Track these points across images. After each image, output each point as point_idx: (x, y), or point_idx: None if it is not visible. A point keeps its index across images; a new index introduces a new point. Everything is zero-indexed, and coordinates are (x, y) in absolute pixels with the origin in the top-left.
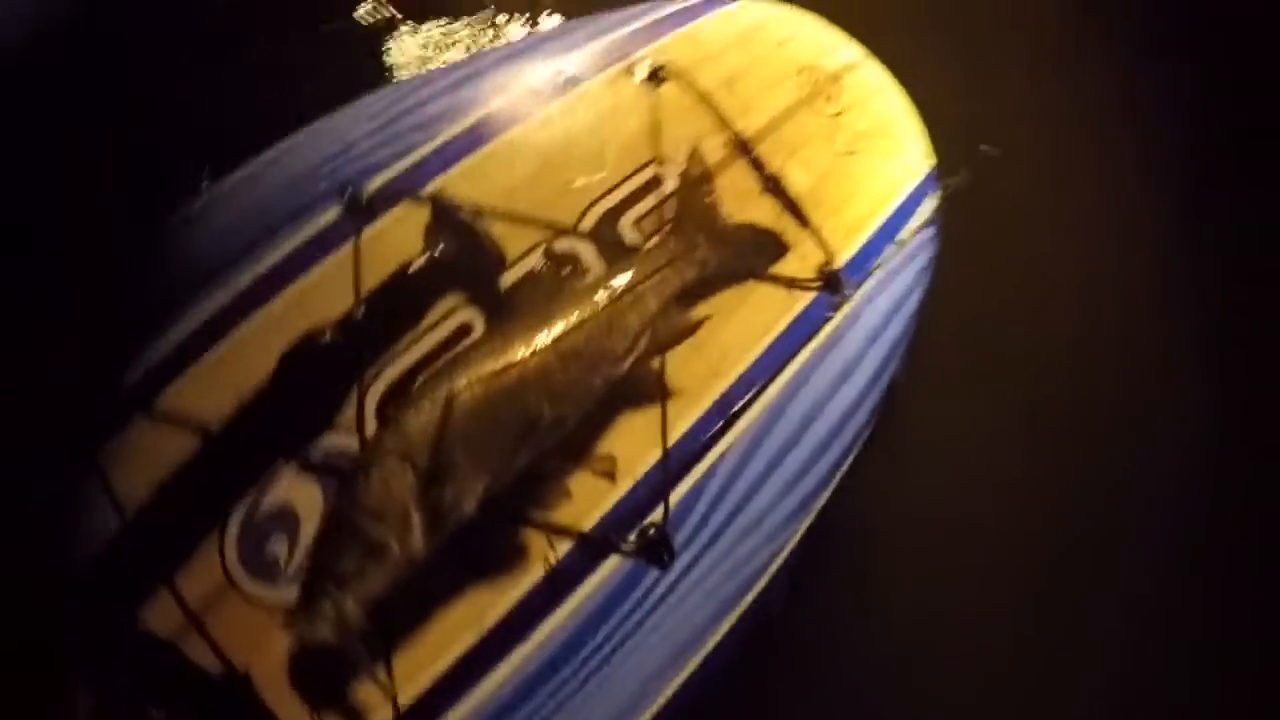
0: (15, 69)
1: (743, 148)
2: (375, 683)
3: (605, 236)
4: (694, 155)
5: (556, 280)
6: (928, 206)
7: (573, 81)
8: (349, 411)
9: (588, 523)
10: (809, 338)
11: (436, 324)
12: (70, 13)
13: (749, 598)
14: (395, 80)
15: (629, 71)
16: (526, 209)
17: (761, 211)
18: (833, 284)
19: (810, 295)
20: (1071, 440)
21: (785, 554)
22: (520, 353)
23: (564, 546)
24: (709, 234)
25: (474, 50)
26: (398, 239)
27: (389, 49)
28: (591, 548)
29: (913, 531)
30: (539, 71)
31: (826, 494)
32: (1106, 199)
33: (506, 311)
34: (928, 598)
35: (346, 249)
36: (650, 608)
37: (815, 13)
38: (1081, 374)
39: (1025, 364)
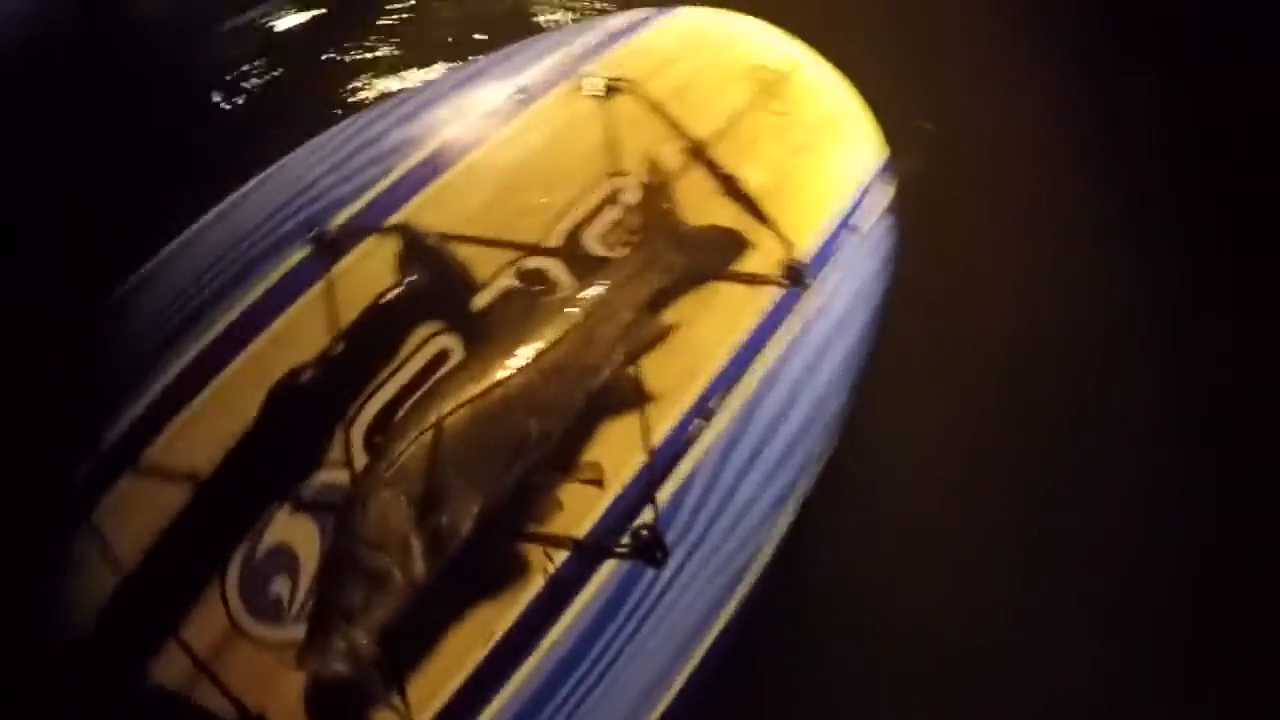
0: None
1: (698, 153)
2: (391, 710)
3: (573, 252)
4: (652, 164)
5: (529, 299)
6: (884, 196)
7: (526, 102)
8: (337, 447)
9: (581, 530)
10: (778, 330)
11: (415, 352)
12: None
13: (743, 587)
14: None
15: (581, 87)
16: (493, 231)
17: (722, 213)
18: (796, 277)
19: (776, 290)
20: (1017, 435)
21: (775, 543)
22: (500, 373)
23: (561, 556)
24: (673, 240)
25: None
26: (368, 272)
27: None
28: (587, 554)
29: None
30: (491, 94)
31: (808, 482)
32: (1049, 198)
33: (483, 334)
34: (878, 593)
35: (318, 287)
36: (650, 606)
37: (760, 16)
38: (1024, 369)
39: (971, 360)
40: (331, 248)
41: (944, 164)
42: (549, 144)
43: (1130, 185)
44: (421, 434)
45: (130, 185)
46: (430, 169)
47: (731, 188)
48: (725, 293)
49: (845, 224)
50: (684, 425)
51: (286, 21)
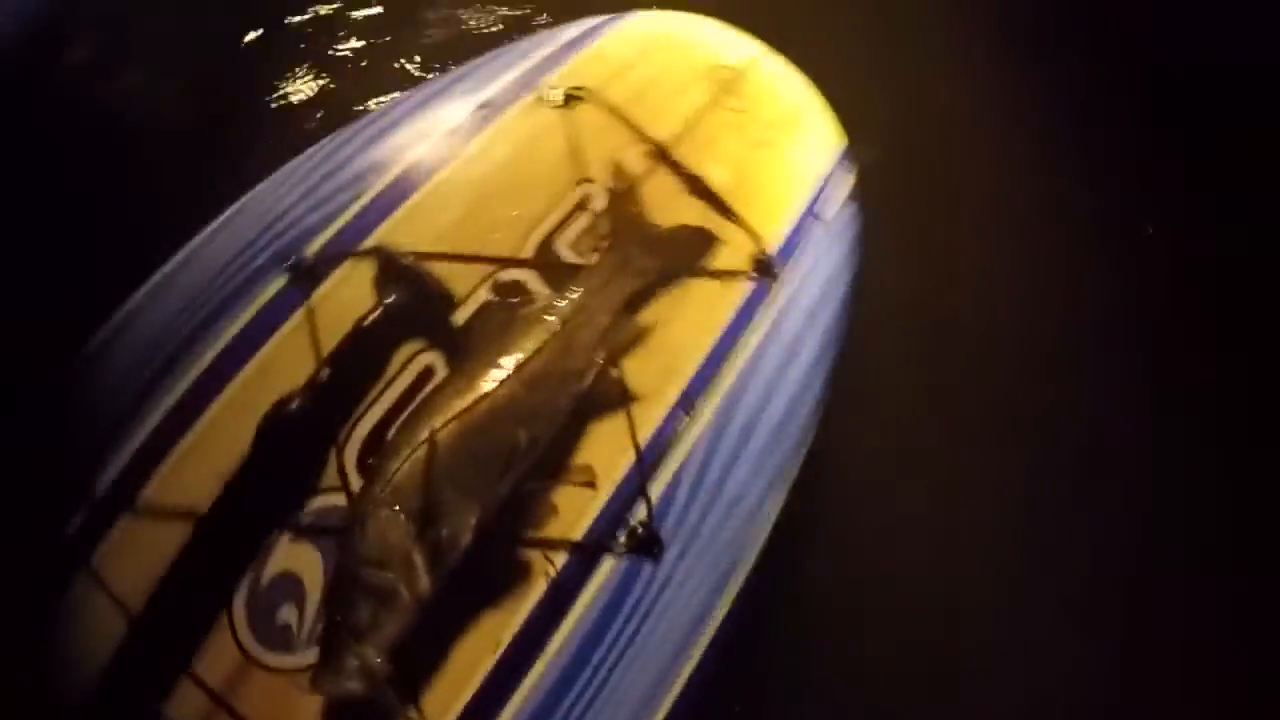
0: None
1: (661, 154)
2: None
3: (546, 261)
4: (617, 170)
5: (508, 311)
6: (845, 185)
7: (488, 117)
8: (331, 471)
9: (578, 532)
10: (752, 323)
11: (400, 372)
12: None
13: (739, 578)
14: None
15: (542, 99)
16: (467, 247)
17: (689, 212)
18: (766, 269)
19: (747, 283)
20: (976, 432)
21: (766, 533)
22: (486, 386)
23: (560, 559)
24: (643, 242)
25: None
26: (348, 297)
27: None
28: (586, 555)
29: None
30: (454, 112)
31: (796, 467)
32: (1010, 187)
33: (465, 349)
34: (861, 590)
35: (298, 316)
36: (651, 601)
37: (716, 16)
38: (994, 364)
39: (941, 353)
40: (308, 276)
41: (904, 152)
42: (514, 157)
43: (1100, 180)
44: (414, 451)
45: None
46: (400, 190)
47: (696, 186)
48: (698, 290)
49: (810, 214)
50: (669, 422)
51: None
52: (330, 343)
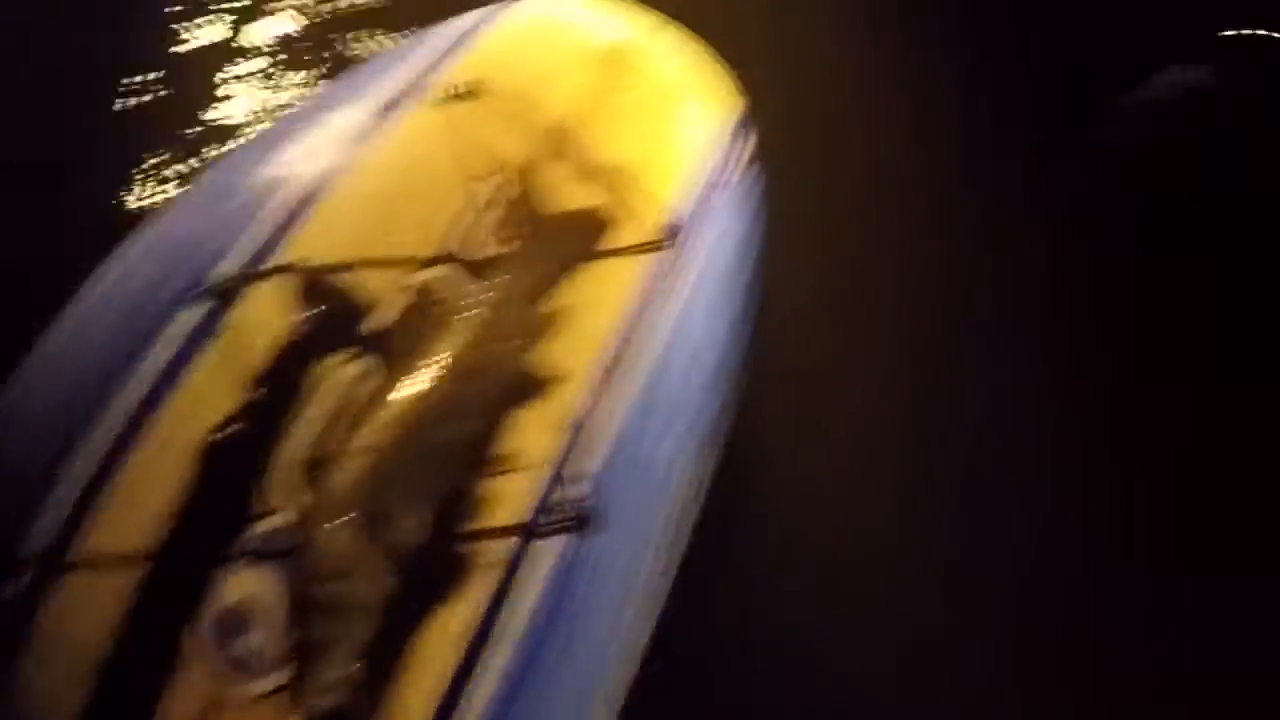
0: None
1: (558, 139)
2: None
3: (455, 258)
4: (515, 160)
5: (425, 311)
6: (746, 150)
7: (384, 120)
8: (271, 493)
9: (520, 517)
10: (662, 295)
11: (326, 384)
12: None
13: (677, 541)
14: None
15: (434, 99)
16: (376, 252)
17: (589, 194)
18: (669, 241)
19: (652, 257)
20: (876, 399)
21: (702, 495)
22: (415, 387)
23: (508, 545)
24: (544, 226)
25: None
26: (263, 317)
27: None
28: (531, 538)
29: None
30: (349, 117)
31: (723, 431)
32: (908, 141)
33: (389, 353)
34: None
35: (215, 342)
36: (595, 573)
37: None
38: (882, 331)
39: (832, 320)
40: (221, 300)
41: (802, 119)
42: (413, 160)
43: (983, 148)
44: (355, 460)
45: None
46: (302, 204)
47: (595, 167)
48: (605, 269)
49: (710, 182)
50: (592, 399)
51: None
52: (252, 365)
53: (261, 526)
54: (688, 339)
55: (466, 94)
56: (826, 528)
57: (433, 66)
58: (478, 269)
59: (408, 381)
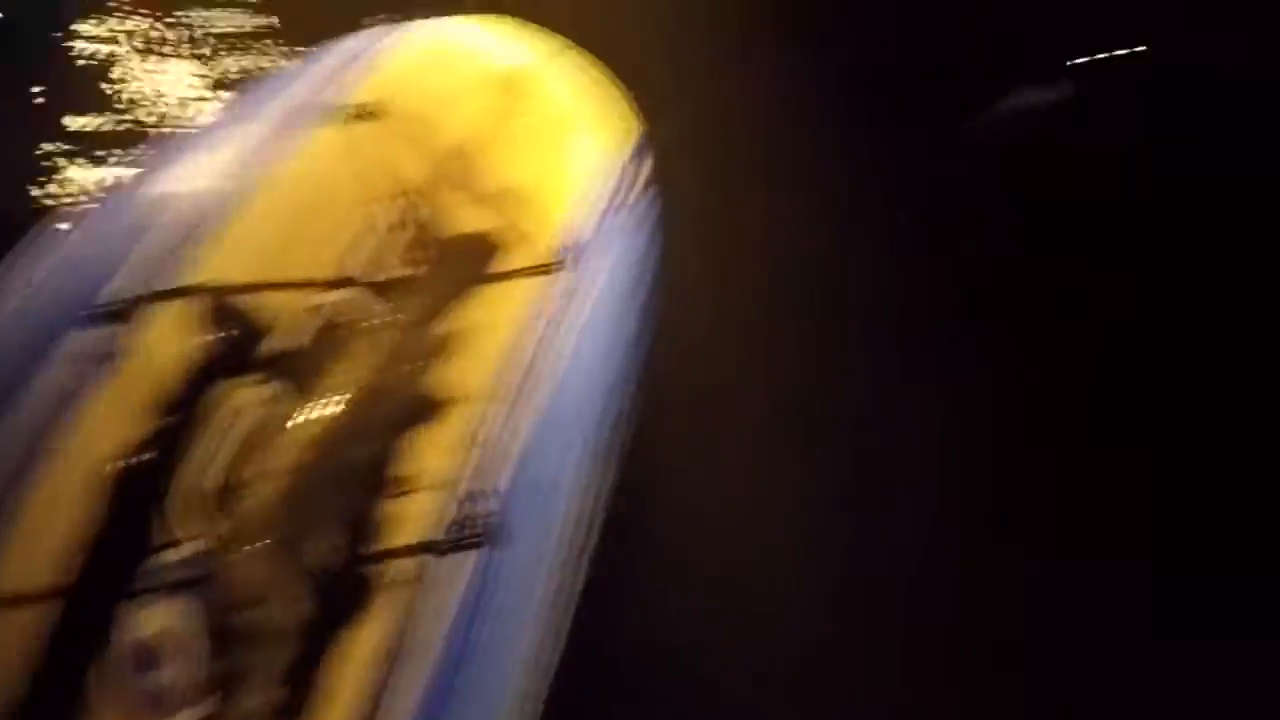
0: None
1: (451, 162)
2: None
3: (356, 280)
4: (413, 183)
5: (329, 333)
6: (641, 172)
7: (283, 139)
8: (178, 522)
9: (428, 536)
10: (556, 314)
11: (230, 408)
12: None
13: (576, 549)
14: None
15: (335, 118)
16: (280, 272)
17: (486, 217)
18: (563, 262)
19: (549, 277)
20: (765, 418)
21: (593, 506)
22: (320, 411)
23: (417, 564)
24: (441, 250)
25: None
26: (167, 337)
27: None
28: (441, 553)
29: None
30: (248, 136)
31: (618, 444)
32: (802, 171)
33: (294, 376)
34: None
35: (113, 367)
36: (505, 587)
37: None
38: (774, 351)
39: (723, 338)
40: (119, 321)
41: (699, 137)
42: (315, 179)
43: (868, 169)
44: (264, 485)
45: None
46: (204, 221)
47: (493, 191)
48: (503, 290)
49: (605, 205)
50: (493, 417)
51: None
52: (156, 390)
53: (172, 556)
54: (584, 359)
55: (367, 115)
56: (718, 547)
57: (332, 86)
58: (379, 291)
59: (313, 405)
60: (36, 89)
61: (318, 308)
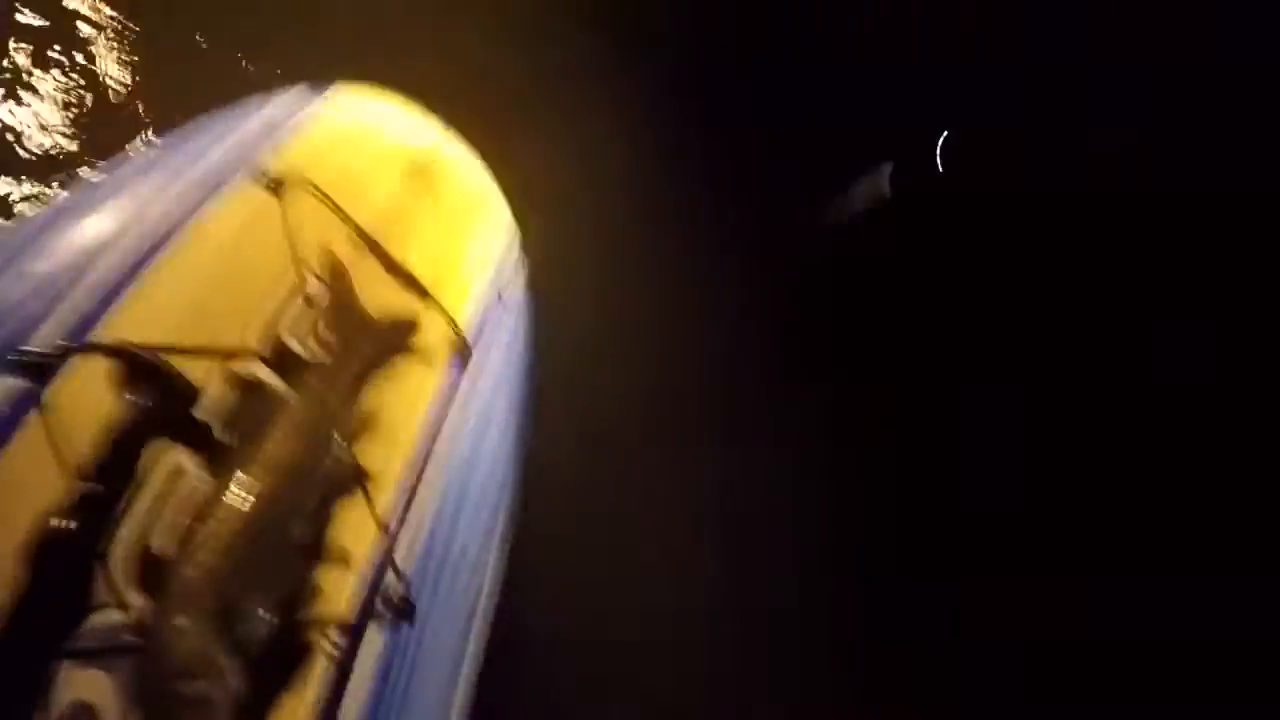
0: None
1: (366, 240)
2: None
3: (275, 351)
4: (328, 255)
5: (249, 404)
6: (521, 266)
7: (201, 198)
8: (103, 587)
9: (345, 609)
10: (455, 399)
11: (154, 472)
12: None
13: (479, 620)
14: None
15: (251, 181)
16: (199, 338)
17: (393, 296)
18: (461, 348)
19: (447, 363)
20: (644, 493)
21: (496, 574)
22: (246, 482)
23: (335, 636)
24: (356, 327)
25: None
26: (87, 396)
27: None
28: (354, 628)
29: None
30: (166, 189)
31: (510, 515)
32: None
33: (214, 445)
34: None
35: (36, 419)
36: (415, 655)
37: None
38: (651, 428)
39: (600, 419)
40: (37, 373)
41: (576, 223)
42: (233, 242)
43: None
44: (194, 554)
45: None
46: (123, 275)
47: (398, 272)
48: (408, 371)
49: (493, 295)
50: (400, 496)
51: None
52: (78, 448)
53: (91, 623)
54: (473, 439)
55: (282, 182)
56: (603, 622)
57: (251, 145)
58: (293, 363)
59: (235, 476)
60: None
61: (241, 376)
